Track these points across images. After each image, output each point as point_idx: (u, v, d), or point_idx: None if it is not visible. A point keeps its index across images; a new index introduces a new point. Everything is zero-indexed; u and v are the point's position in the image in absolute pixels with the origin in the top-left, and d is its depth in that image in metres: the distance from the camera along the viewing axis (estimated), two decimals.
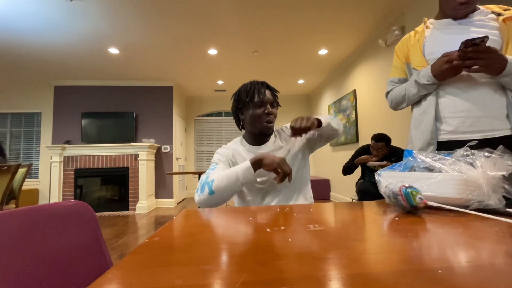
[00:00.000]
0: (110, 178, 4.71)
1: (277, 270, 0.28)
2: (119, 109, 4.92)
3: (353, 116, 4.07)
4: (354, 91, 4.04)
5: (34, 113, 5.03)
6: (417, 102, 1.06)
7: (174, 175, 5.11)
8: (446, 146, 0.94)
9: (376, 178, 0.69)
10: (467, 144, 0.62)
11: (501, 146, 0.57)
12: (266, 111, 0.99)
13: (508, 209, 0.49)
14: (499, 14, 0.94)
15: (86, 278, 0.51)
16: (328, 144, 5.05)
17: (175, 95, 5.18)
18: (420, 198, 0.51)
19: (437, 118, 0.97)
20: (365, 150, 2.62)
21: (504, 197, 0.51)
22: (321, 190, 5.12)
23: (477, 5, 0.98)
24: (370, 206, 0.64)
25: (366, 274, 0.27)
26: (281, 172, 0.81)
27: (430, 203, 0.52)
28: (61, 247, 0.49)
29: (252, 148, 1.06)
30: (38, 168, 4.95)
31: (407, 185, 0.53)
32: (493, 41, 0.89)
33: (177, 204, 5.23)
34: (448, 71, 0.88)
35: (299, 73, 4.91)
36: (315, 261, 0.30)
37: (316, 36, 3.45)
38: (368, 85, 3.65)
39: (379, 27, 3.21)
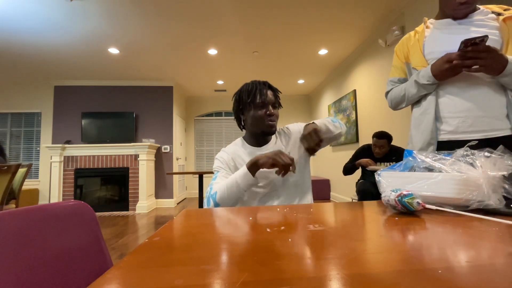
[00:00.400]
0: (110, 178, 4.71)
1: (277, 270, 0.28)
2: (119, 109, 4.92)
3: (353, 116, 4.07)
4: (354, 91, 4.04)
5: (34, 113, 5.03)
6: (417, 102, 1.06)
7: (174, 175, 5.11)
8: (446, 146, 0.94)
9: (376, 178, 0.69)
10: (467, 144, 0.62)
11: (501, 146, 0.57)
12: (268, 112, 0.97)
13: (508, 209, 0.49)
14: (499, 14, 0.94)
15: (86, 278, 0.51)
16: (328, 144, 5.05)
17: (175, 95, 5.18)
18: (417, 202, 0.51)
19: (437, 118, 0.97)
20: (365, 150, 2.61)
21: (504, 197, 0.51)
22: (321, 190, 5.12)
23: (477, 5, 0.97)
24: (370, 206, 0.64)
25: (366, 274, 0.27)
26: (281, 163, 0.80)
27: (428, 206, 0.53)
28: (61, 247, 0.49)
29: (253, 149, 1.04)
30: (38, 168, 4.95)
31: (403, 193, 0.53)
32: (493, 41, 0.89)
33: (177, 204, 5.23)
34: (448, 70, 0.88)
35: (299, 73, 4.91)
36: (315, 261, 0.30)
37: (316, 36, 3.45)
38: (368, 85, 3.65)
39: (379, 27, 3.21)
